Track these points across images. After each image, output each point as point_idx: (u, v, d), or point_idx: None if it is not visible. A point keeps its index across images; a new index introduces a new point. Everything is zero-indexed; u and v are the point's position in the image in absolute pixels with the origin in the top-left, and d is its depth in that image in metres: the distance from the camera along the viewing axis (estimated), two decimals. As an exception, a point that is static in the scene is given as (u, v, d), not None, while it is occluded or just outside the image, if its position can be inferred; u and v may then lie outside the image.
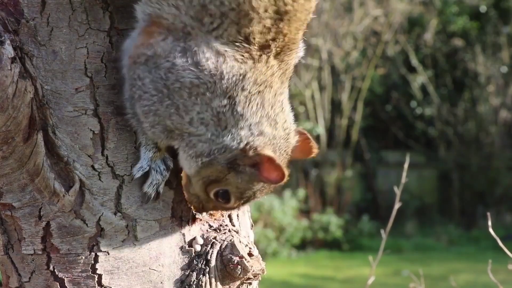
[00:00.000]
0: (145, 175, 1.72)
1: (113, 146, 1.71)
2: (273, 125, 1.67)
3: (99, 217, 1.70)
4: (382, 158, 16.63)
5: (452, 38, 16.40)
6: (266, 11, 1.58)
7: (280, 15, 1.60)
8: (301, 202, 13.81)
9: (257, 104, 1.64)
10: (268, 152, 1.64)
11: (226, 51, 1.59)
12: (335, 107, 15.44)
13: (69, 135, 1.68)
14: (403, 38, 16.04)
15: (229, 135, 1.64)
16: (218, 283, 1.77)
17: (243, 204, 1.75)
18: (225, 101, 1.61)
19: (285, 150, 1.70)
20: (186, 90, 1.60)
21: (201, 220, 1.82)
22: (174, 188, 1.78)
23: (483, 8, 16.25)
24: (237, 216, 1.90)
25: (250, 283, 1.84)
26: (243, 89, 1.62)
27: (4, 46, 1.59)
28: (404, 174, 3.13)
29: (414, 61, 15.96)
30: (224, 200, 1.72)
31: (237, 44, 1.60)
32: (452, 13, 16.20)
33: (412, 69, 16.19)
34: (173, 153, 1.74)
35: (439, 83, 16.54)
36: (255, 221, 10.86)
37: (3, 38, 1.59)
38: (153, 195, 1.72)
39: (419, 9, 16.31)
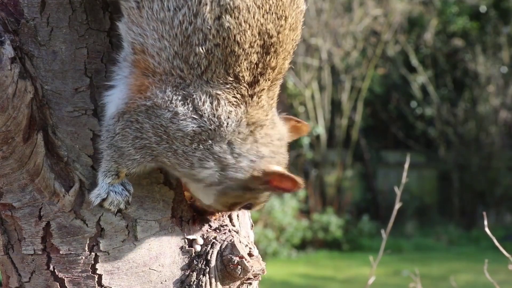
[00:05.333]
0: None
1: (113, 146, 1.70)
2: (268, 143, 1.68)
3: (99, 217, 1.70)
4: (382, 158, 16.62)
5: (452, 38, 16.40)
6: (251, 46, 1.56)
7: (266, 49, 1.58)
8: (301, 202, 13.80)
9: (252, 141, 1.65)
10: (274, 168, 1.66)
11: (219, 94, 1.57)
12: (335, 107, 15.44)
13: (69, 135, 1.68)
14: (403, 38, 16.03)
15: (232, 170, 1.65)
16: (218, 283, 1.77)
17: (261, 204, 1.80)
18: (224, 146, 1.62)
19: (284, 157, 1.72)
20: (188, 138, 1.59)
21: (201, 220, 1.82)
22: (174, 188, 1.78)
23: (483, 8, 16.25)
24: (237, 216, 1.90)
25: (250, 283, 1.84)
26: (239, 133, 1.62)
27: (4, 46, 1.59)
28: (405, 174, 3.13)
29: (414, 61, 15.95)
30: (247, 208, 1.79)
31: (228, 86, 1.58)
32: (452, 13, 16.19)
33: (412, 69, 16.18)
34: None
35: (439, 83, 16.53)
36: (255, 221, 10.85)
37: (3, 38, 1.59)
38: (115, 212, 1.70)
39: (419, 9, 16.31)
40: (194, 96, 1.57)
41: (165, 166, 1.66)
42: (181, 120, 1.57)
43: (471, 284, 9.74)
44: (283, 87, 14.25)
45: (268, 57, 1.59)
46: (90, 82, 1.69)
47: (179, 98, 1.57)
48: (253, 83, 1.60)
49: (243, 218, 1.91)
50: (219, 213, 1.85)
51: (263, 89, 1.62)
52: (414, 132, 16.65)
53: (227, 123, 1.59)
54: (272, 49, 1.59)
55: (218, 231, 1.82)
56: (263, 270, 1.81)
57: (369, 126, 16.57)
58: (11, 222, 1.72)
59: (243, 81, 1.58)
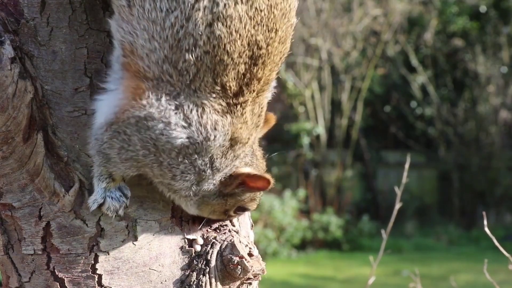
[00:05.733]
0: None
1: (113, 146, 1.70)
2: (236, 158, 1.68)
3: (99, 217, 1.70)
4: (382, 158, 16.62)
5: (452, 38, 16.40)
6: (240, 56, 1.55)
7: (254, 60, 1.58)
8: (301, 202, 13.81)
9: (231, 157, 1.66)
10: (243, 170, 1.68)
11: (205, 104, 1.57)
12: (335, 107, 15.44)
13: (69, 135, 1.68)
14: (403, 38, 16.03)
15: (206, 183, 1.67)
16: (218, 283, 1.76)
17: (259, 200, 1.81)
18: (206, 159, 1.62)
19: (252, 152, 1.73)
20: (175, 151, 1.59)
21: (201, 220, 1.82)
22: (174, 188, 1.77)
23: (483, 8, 16.25)
24: (237, 216, 1.90)
25: (250, 283, 1.84)
26: (221, 146, 1.62)
27: (4, 46, 1.58)
28: (405, 174, 3.12)
29: (414, 61, 15.95)
30: (244, 210, 1.80)
31: (214, 95, 1.57)
32: (452, 13, 16.19)
33: (412, 69, 16.18)
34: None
35: (439, 83, 16.53)
36: (255, 221, 10.85)
37: (3, 38, 1.59)
38: (114, 218, 1.71)
39: (419, 9, 16.31)
40: (184, 105, 1.56)
41: (146, 174, 1.67)
42: (172, 130, 1.57)
43: (471, 284, 9.74)
44: (283, 87, 14.26)
45: (255, 68, 1.59)
46: (90, 82, 1.69)
47: (172, 107, 1.56)
48: (238, 94, 1.60)
49: (243, 218, 1.91)
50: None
51: (247, 100, 1.62)
52: (414, 132, 16.66)
53: (214, 136, 1.59)
54: (260, 61, 1.59)
55: (218, 231, 1.82)
56: (263, 270, 1.81)
57: (369, 126, 16.57)
58: (11, 222, 1.72)
59: (229, 91, 1.58)
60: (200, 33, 1.52)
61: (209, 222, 1.82)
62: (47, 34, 1.66)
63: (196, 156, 1.61)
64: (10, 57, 1.59)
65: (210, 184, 1.67)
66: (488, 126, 15.92)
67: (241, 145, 1.65)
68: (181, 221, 1.78)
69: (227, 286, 1.79)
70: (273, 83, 1.70)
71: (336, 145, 15.34)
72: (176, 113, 1.56)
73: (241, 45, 1.55)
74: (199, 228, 1.80)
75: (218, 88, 1.57)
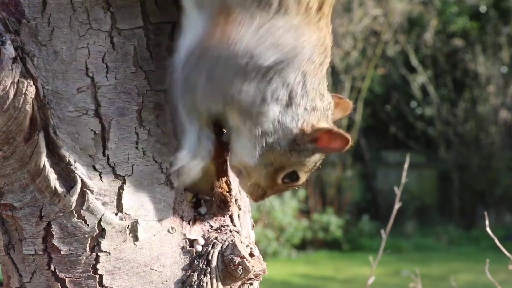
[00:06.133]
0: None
1: (114, 147, 1.71)
2: (322, 98, 1.71)
3: (100, 218, 1.70)
4: (382, 158, 16.63)
5: (452, 38, 16.40)
6: None
7: None
8: (301, 202, 13.81)
9: (318, 78, 1.69)
10: (324, 124, 1.68)
11: (296, 24, 1.62)
12: (335, 107, 15.42)
13: (70, 136, 1.68)
14: (403, 38, 16.03)
15: (290, 115, 1.67)
16: (219, 283, 1.76)
17: (308, 175, 1.79)
18: (299, 77, 1.64)
19: (332, 119, 1.75)
20: (264, 69, 1.61)
21: (202, 220, 1.82)
22: (175, 188, 1.78)
23: (483, 8, 16.25)
24: (238, 216, 1.90)
25: (251, 284, 1.84)
26: (313, 62, 1.66)
27: (5, 46, 1.59)
28: (405, 174, 3.13)
29: (414, 61, 15.96)
30: (293, 180, 1.76)
31: (300, 15, 1.63)
32: (452, 13, 16.20)
33: (412, 69, 16.19)
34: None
35: (439, 83, 16.54)
36: (255, 221, 10.82)
37: (4, 38, 1.59)
38: (201, 165, 1.70)
39: (419, 9, 16.31)
40: (272, 31, 1.60)
41: (232, 109, 1.66)
42: (262, 55, 1.60)
43: (471, 284, 9.75)
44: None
45: None
46: (91, 82, 1.69)
47: (266, 29, 1.60)
48: (319, 9, 1.66)
49: (244, 218, 1.91)
50: (219, 214, 1.85)
51: (327, 14, 1.68)
52: (414, 132, 16.66)
53: (305, 49, 1.63)
54: None
55: (219, 231, 1.82)
56: (264, 270, 1.81)
57: (369, 126, 16.58)
58: (12, 222, 1.72)
59: (312, 9, 1.64)
60: None
61: (210, 222, 1.82)
62: (48, 34, 1.66)
63: (288, 70, 1.62)
64: (11, 57, 1.59)
65: (293, 123, 1.66)
66: (488, 126, 15.92)
67: (326, 59, 1.69)
68: (182, 221, 1.78)
69: (228, 286, 1.79)
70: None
71: (336, 145, 15.31)
72: (265, 38, 1.60)
73: None
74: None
75: (303, 9, 1.63)
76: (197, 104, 1.67)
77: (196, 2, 1.66)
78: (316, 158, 1.76)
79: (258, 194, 1.79)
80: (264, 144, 1.69)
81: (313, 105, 1.68)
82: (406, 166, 3.15)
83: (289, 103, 1.66)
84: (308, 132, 1.68)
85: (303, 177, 1.78)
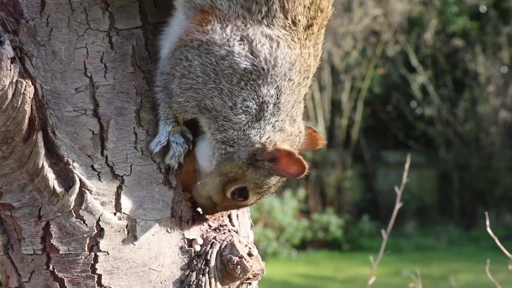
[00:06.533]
0: (165, 149, 1.72)
1: (112, 146, 1.71)
2: (292, 123, 1.71)
3: (99, 217, 1.70)
4: (382, 158, 16.62)
5: (452, 38, 16.39)
6: None
7: None
8: (301, 202, 13.80)
9: (294, 100, 1.68)
10: (286, 146, 1.68)
11: (279, 37, 1.63)
12: (335, 107, 15.44)
13: (69, 135, 1.68)
14: (403, 38, 16.03)
15: (257, 128, 1.67)
16: (218, 283, 1.76)
17: (258, 199, 1.78)
18: (272, 91, 1.64)
19: (297, 146, 1.75)
20: (237, 76, 1.62)
21: (200, 220, 1.82)
22: (174, 188, 1.78)
23: (483, 8, 16.24)
24: (237, 216, 1.90)
25: (249, 283, 1.84)
26: (290, 79, 1.65)
27: (3, 46, 1.59)
28: (405, 174, 3.12)
29: (414, 61, 15.95)
30: (242, 197, 1.76)
31: (286, 29, 1.63)
32: (452, 13, 16.19)
33: (412, 69, 16.18)
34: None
35: (439, 83, 16.53)
36: (255, 221, 10.85)
37: (2, 38, 1.60)
38: (176, 167, 1.73)
39: (419, 9, 16.30)
40: (253, 38, 1.62)
41: (205, 113, 1.66)
42: (236, 58, 1.61)
43: (471, 284, 9.75)
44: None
45: (318, 0, 1.66)
46: (89, 82, 1.69)
47: (237, 38, 1.61)
48: (307, 27, 1.66)
49: (242, 218, 1.91)
50: (219, 213, 1.85)
51: (314, 34, 1.69)
52: (414, 132, 16.65)
53: (282, 63, 1.63)
54: None
55: (217, 231, 1.82)
56: (262, 270, 1.81)
57: (369, 126, 16.57)
58: (10, 222, 1.72)
59: (299, 24, 1.65)
60: None
61: (208, 222, 1.82)
62: (46, 34, 1.67)
63: (261, 82, 1.63)
64: (10, 57, 1.59)
65: (257, 137, 1.66)
66: (488, 126, 15.91)
67: (307, 80, 1.69)
68: (180, 221, 1.78)
69: (227, 286, 1.78)
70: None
71: (336, 145, 15.34)
72: (240, 44, 1.61)
73: None
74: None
75: (289, 22, 1.64)
76: (172, 107, 1.68)
77: (184, 2, 1.66)
78: (271, 182, 1.75)
79: (208, 206, 1.79)
80: (223, 152, 1.69)
81: (282, 126, 1.68)
82: (406, 166, 3.14)
83: (258, 116, 1.65)
84: (269, 150, 1.68)
85: (252, 197, 1.76)
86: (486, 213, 2.72)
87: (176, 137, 1.71)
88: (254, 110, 1.65)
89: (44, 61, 1.67)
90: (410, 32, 16.35)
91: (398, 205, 3.06)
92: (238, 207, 1.81)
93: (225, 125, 1.66)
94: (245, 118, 1.65)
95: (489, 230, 2.64)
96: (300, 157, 1.69)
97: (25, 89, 1.62)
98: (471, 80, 16.16)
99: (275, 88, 1.64)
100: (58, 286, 1.71)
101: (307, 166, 1.68)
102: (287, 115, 1.69)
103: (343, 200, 14.71)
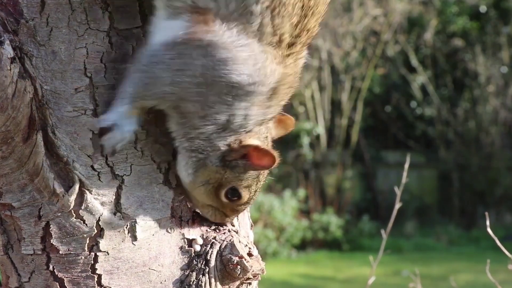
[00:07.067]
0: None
1: (112, 146, 1.70)
2: (260, 124, 1.70)
3: (99, 217, 1.70)
4: (382, 158, 16.63)
5: (452, 38, 16.40)
6: (293, 8, 1.62)
7: (304, 11, 1.64)
8: (301, 202, 13.81)
9: (263, 112, 1.67)
10: (252, 141, 1.68)
11: (268, 52, 1.62)
12: (335, 107, 15.44)
13: (69, 135, 1.68)
14: (403, 38, 16.03)
15: (222, 136, 1.67)
16: (218, 283, 1.76)
17: (255, 193, 1.78)
18: (243, 104, 1.64)
19: (266, 137, 1.74)
20: (229, 87, 1.61)
21: (200, 220, 1.82)
22: (174, 188, 1.78)
23: (483, 8, 16.25)
24: (237, 216, 1.89)
25: (249, 283, 1.84)
26: (263, 94, 1.65)
27: (3, 46, 1.58)
28: (405, 174, 3.12)
29: (414, 61, 15.96)
30: (236, 197, 1.76)
31: (273, 45, 1.63)
32: (452, 13, 16.19)
33: (412, 69, 16.19)
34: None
35: (439, 83, 16.54)
36: (255, 221, 10.85)
37: (2, 38, 1.59)
38: (107, 150, 1.68)
39: (419, 9, 16.31)
40: (253, 47, 1.61)
41: (174, 111, 1.65)
42: (238, 64, 1.59)
43: (471, 284, 9.75)
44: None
45: (306, 19, 1.65)
46: (89, 82, 1.69)
47: (242, 43, 1.60)
48: (291, 45, 1.66)
49: (242, 218, 1.91)
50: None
51: (296, 52, 1.68)
52: (414, 132, 16.66)
53: (267, 81, 1.63)
54: (310, 11, 1.65)
55: (217, 231, 1.82)
56: (262, 270, 1.81)
57: (369, 126, 16.58)
58: (10, 222, 1.72)
59: (284, 42, 1.64)
60: None
61: (208, 221, 1.82)
62: (46, 34, 1.67)
63: (240, 97, 1.62)
64: (10, 57, 1.59)
65: (222, 142, 1.66)
66: (488, 126, 15.92)
67: (277, 101, 1.68)
68: (180, 221, 1.78)
69: (227, 286, 1.78)
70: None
71: (336, 145, 15.34)
72: (245, 51, 1.60)
73: None
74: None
75: (276, 39, 1.63)
76: (145, 93, 1.64)
77: (167, 6, 1.64)
78: (255, 173, 1.74)
79: (214, 215, 1.79)
80: (195, 159, 1.69)
81: (249, 129, 1.68)
82: (406, 166, 3.14)
83: (225, 126, 1.65)
84: (235, 149, 1.68)
85: (245, 194, 1.76)
86: (486, 213, 2.72)
87: (124, 122, 1.66)
88: (222, 122, 1.64)
89: (44, 61, 1.67)
90: (410, 32, 16.36)
91: (398, 205, 3.06)
92: (241, 206, 1.80)
93: (191, 134, 1.66)
94: (212, 128, 1.65)
95: (489, 230, 2.64)
96: (268, 148, 1.69)
97: (25, 89, 1.62)
98: (471, 80, 16.17)
99: (248, 101, 1.64)
100: (58, 286, 1.71)
101: (276, 155, 1.68)
102: (256, 122, 1.68)
103: (343, 200, 14.72)
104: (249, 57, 1.60)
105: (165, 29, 1.64)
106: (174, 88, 1.62)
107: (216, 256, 1.77)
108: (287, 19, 1.62)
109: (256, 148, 1.68)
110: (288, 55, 1.66)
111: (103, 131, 1.66)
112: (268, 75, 1.63)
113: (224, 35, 1.60)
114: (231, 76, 1.60)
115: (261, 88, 1.63)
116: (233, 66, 1.60)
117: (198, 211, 1.80)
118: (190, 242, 1.78)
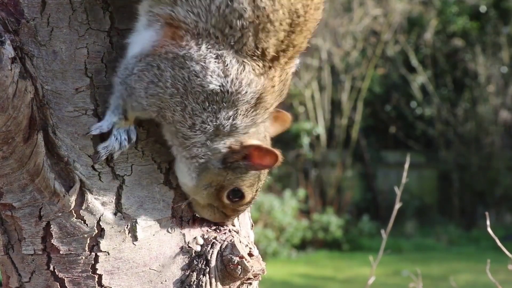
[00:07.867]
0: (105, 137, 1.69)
1: (113, 146, 1.70)
2: (259, 125, 1.72)
3: (99, 217, 1.70)
4: (382, 158, 16.62)
5: (452, 38, 16.40)
6: (281, 24, 1.62)
7: (293, 28, 1.64)
8: (301, 202, 13.80)
9: (251, 116, 1.68)
10: (253, 141, 1.69)
11: (246, 63, 1.62)
12: (335, 107, 15.44)
13: (69, 135, 1.68)
14: (403, 38, 16.03)
15: (218, 140, 1.67)
16: (218, 283, 1.76)
17: (256, 193, 1.78)
18: (230, 113, 1.65)
19: (265, 136, 1.76)
20: (204, 95, 1.62)
21: (201, 220, 1.82)
22: (174, 188, 1.78)
23: (483, 8, 16.25)
24: (237, 216, 1.89)
25: (250, 283, 1.84)
26: (247, 103, 1.65)
27: (4, 46, 1.58)
28: (405, 174, 3.12)
29: (414, 61, 15.95)
30: (238, 197, 1.76)
31: (254, 58, 1.63)
32: (452, 13, 16.19)
33: (412, 69, 16.18)
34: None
35: (439, 83, 16.53)
36: (255, 221, 10.85)
37: (3, 38, 1.59)
38: (103, 157, 1.69)
39: (419, 9, 16.30)
40: (226, 59, 1.61)
41: (163, 121, 1.66)
42: (208, 75, 1.61)
43: (471, 284, 9.75)
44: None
45: (293, 35, 1.65)
46: (90, 82, 1.69)
47: (213, 56, 1.61)
48: (275, 59, 1.66)
49: (243, 218, 1.91)
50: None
51: (280, 65, 1.68)
52: (414, 132, 16.66)
53: (246, 92, 1.63)
54: (298, 28, 1.65)
55: (218, 231, 1.82)
56: (263, 270, 1.81)
57: (369, 126, 16.57)
58: (11, 222, 1.72)
59: (268, 55, 1.64)
60: (245, 8, 1.58)
61: (209, 222, 1.82)
62: (47, 34, 1.67)
63: (222, 105, 1.63)
64: (11, 57, 1.59)
65: (221, 144, 1.67)
66: (488, 126, 15.92)
67: (264, 109, 1.68)
68: (181, 221, 1.78)
69: (227, 286, 1.78)
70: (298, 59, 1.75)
71: (336, 145, 15.34)
72: (215, 62, 1.61)
73: (283, 13, 1.61)
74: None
75: (259, 52, 1.63)
76: (130, 104, 1.66)
77: (148, 12, 1.64)
78: (254, 175, 1.75)
79: (215, 216, 1.80)
80: (197, 164, 1.70)
81: (246, 128, 1.69)
82: (406, 166, 3.14)
83: (217, 133, 1.66)
84: (237, 150, 1.69)
85: (248, 193, 1.77)
86: (486, 213, 2.72)
87: (120, 132, 1.69)
88: (211, 130, 1.65)
89: (45, 61, 1.67)
90: (410, 32, 16.36)
91: (398, 205, 3.06)
92: (243, 206, 1.81)
93: (186, 143, 1.67)
94: (202, 138, 1.66)
95: (489, 230, 2.64)
96: (269, 147, 1.71)
97: (25, 89, 1.62)
98: (471, 80, 16.16)
99: (234, 111, 1.64)
100: (59, 286, 1.71)
101: (278, 153, 1.69)
102: (249, 122, 1.69)
103: (343, 200, 14.71)
104: (218, 67, 1.61)
105: (137, 41, 1.66)
106: (150, 100, 1.64)
107: (217, 256, 1.77)
108: (273, 34, 1.62)
109: (258, 147, 1.69)
110: (271, 67, 1.66)
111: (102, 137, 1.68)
112: (244, 85, 1.63)
113: (191, 49, 1.60)
114: (202, 85, 1.61)
115: (240, 96, 1.63)
116: (204, 77, 1.61)
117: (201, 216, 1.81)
118: (191, 242, 1.78)
